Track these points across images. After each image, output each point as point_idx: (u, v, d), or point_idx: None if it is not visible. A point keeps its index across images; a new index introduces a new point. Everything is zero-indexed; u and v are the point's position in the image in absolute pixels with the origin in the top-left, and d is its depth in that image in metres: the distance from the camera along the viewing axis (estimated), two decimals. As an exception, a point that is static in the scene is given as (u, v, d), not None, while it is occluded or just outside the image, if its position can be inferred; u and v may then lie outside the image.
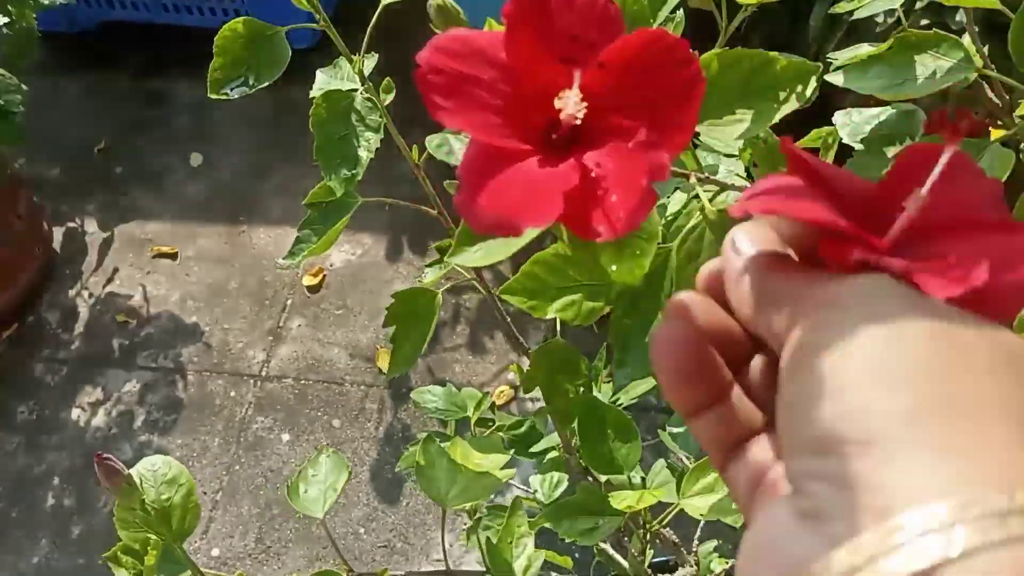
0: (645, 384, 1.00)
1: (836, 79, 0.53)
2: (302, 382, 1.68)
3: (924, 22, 1.39)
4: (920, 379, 0.23)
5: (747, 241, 0.30)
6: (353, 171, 0.62)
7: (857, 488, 0.22)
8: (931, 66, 0.49)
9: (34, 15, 1.64)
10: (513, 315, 1.72)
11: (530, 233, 0.47)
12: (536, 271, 0.57)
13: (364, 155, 0.62)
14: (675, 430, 0.93)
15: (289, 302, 1.79)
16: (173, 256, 1.88)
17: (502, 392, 1.62)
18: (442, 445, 0.76)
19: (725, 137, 0.49)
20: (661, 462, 0.80)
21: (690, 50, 0.34)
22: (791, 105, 0.50)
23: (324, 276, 1.82)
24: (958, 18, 1.40)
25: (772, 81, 0.49)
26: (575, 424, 0.70)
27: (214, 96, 0.62)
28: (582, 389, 0.69)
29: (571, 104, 0.33)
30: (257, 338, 1.75)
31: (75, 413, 1.68)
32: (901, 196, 0.28)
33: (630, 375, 0.50)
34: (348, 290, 1.80)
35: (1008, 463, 0.21)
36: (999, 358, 0.23)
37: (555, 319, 0.75)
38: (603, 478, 0.84)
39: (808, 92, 0.49)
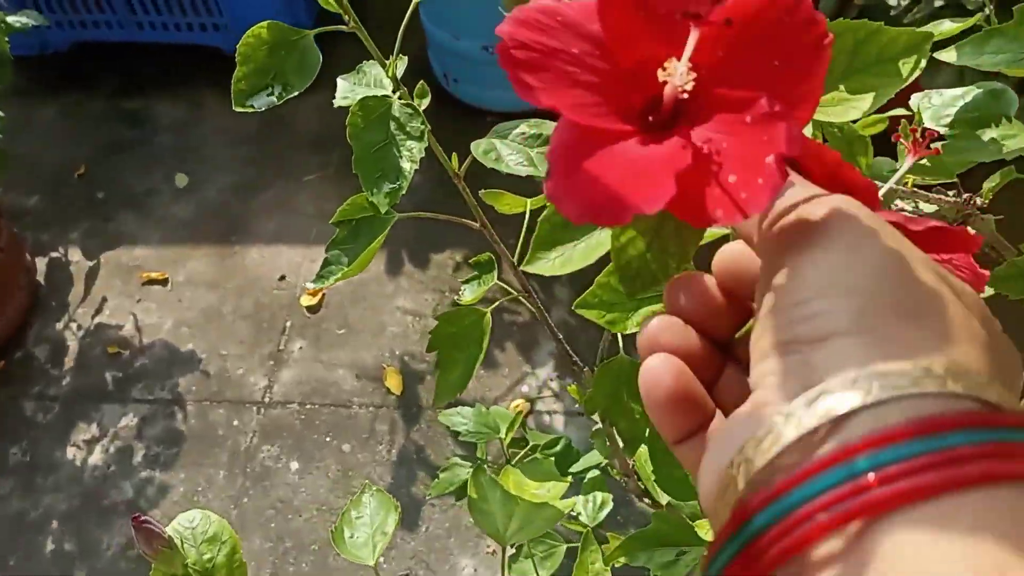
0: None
1: (948, 56, 0.47)
2: (308, 407, 1.61)
3: (938, 4, 1.35)
4: (872, 286, 0.25)
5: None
6: (396, 184, 0.57)
7: (798, 375, 0.25)
8: (1056, 37, 0.44)
9: (6, 39, 1.57)
10: (523, 328, 1.66)
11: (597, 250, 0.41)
12: (613, 282, 0.51)
13: (407, 166, 0.57)
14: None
15: (288, 324, 1.72)
16: (163, 282, 1.81)
17: (517, 406, 1.56)
18: (492, 477, 0.70)
19: (838, 118, 0.44)
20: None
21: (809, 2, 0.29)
22: (905, 79, 0.45)
23: (323, 295, 1.75)
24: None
25: (880, 54, 0.44)
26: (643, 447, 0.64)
27: (239, 109, 0.56)
28: (650, 409, 0.64)
29: (679, 75, 0.29)
30: (257, 363, 1.68)
31: (70, 452, 1.60)
32: None
33: None
34: (349, 308, 1.73)
35: (937, 352, 0.24)
36: (936, 275, 0.26)
37: (605, 332, 0.69)
38: (663, 500, 0.78)
39: (922, 64, 0.44)
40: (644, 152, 0.29)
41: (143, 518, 0.48)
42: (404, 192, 0.57)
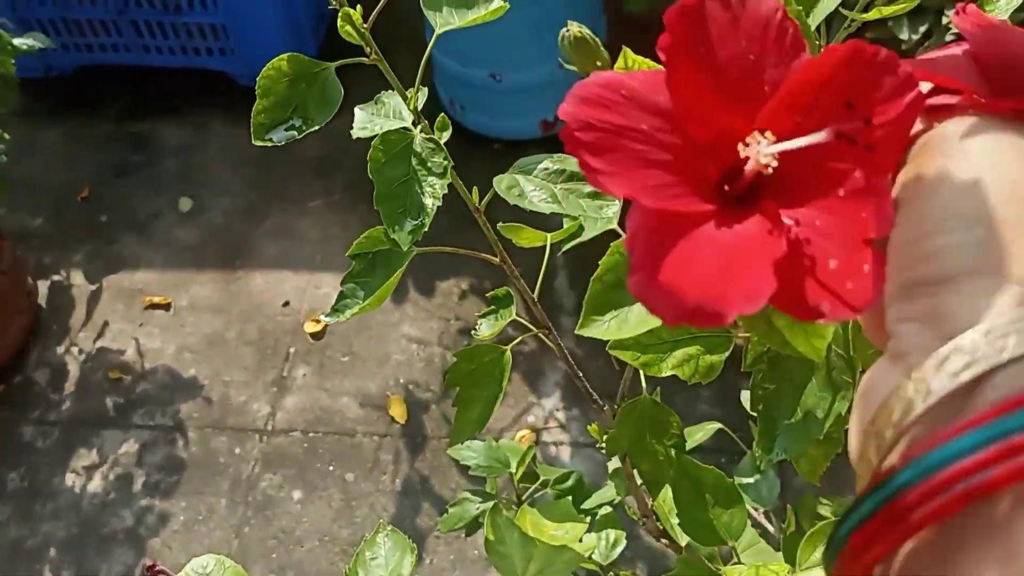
0: (703, 432, 0.93)
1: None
2: (311, 435, 1.59)
3: (950, 38, 1.35)
4: (996, 212, 0.23)
5: None
6: (419, 221, 0.55)
7: (931, 322, 0.23)
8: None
9: (12, 61, 1.56)
10: (529, 357, 1.64)
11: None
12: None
13: (430, 203, 0.55)
14: (746, 480, 0.85)
15: (292, 350, 1.71)
16: (166, 306, 1.79)
17: (523, 437, 1.54)
18: (509, 518, 0.68)
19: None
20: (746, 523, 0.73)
21: (896, 59, 0.27)
22: None
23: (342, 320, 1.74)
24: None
25: None
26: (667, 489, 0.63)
27: (259, 143, 0.55)
28: (673, 450, 0.62)
29: (763, 151, 0.27)
30: (260, 390, 1.66)
31: (69, 478, 1.58)
32: None
33: (779, 452, 0.43)
34: (353, 335, 1.72)
35: None
36: None
37: (627, 369, 0.68)
38: (682, 542, 0.77)
39: None
40: (732, 238, 0.27)
41: (158, 568, 0.47)
42: (426, 229, 0.56)
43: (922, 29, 1.31)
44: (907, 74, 0.26)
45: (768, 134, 0.27)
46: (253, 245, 1.87)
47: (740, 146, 0.27)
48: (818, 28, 0.55)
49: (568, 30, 0.38)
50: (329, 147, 1.97)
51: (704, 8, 0.28)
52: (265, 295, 1.79)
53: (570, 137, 0.27)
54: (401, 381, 1.65)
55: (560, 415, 1.58)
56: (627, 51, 0.37)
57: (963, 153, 0.25)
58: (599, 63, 0.38)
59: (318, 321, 1.74)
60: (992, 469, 0.20)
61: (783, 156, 0.27)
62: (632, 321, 0.38)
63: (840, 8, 0.49)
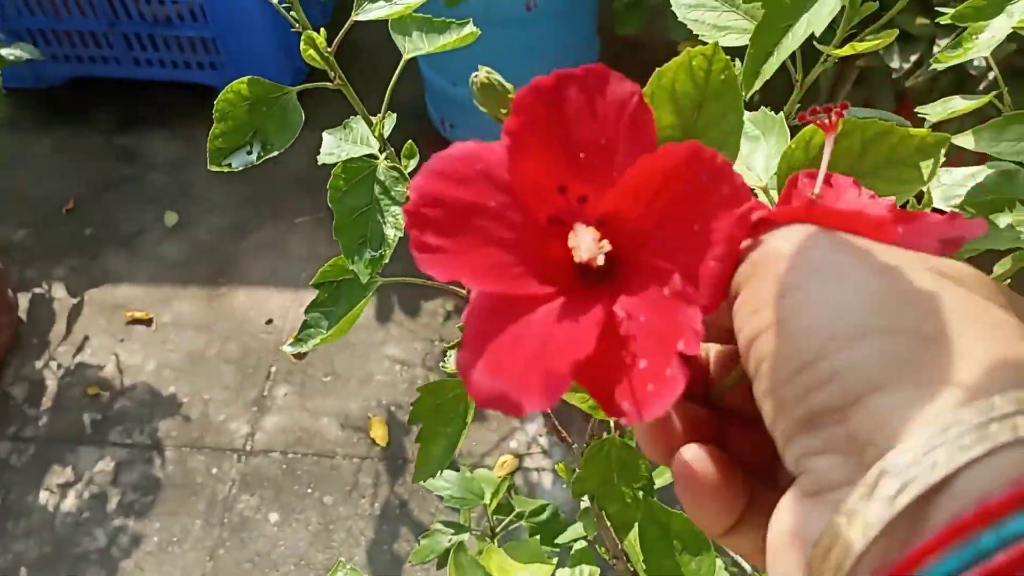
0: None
1: (965, 142, 0.45)
2: (290, 456, 1.57)
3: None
4: (881, 317, 0.22)
5: None
6: (379, 252, 0.54)
7: (850, 452, 0.21)
8: (1081, 123, 0.41)
9: (0, 71, 1.55)
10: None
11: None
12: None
13: (392, 233, 0.54)
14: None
15: (274, 369, 1.69)
16: (148, 322, 1.77)
17: (504, 463, 1.52)
18: (475, 558, 0.66)
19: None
20: (720, 563, 0.71)
21: (732, 169, 0.25)
22: (913, 188, 0.41)
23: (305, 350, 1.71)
24: (976, 63, 1.35)
25: (891, 156, 0.41)
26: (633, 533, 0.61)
27: (215, 168, 0.53)
28: (641, 493, 0.60)
29: (585, 244, 0.26)
30: (240, 409, 1.63)
31: (43, 496, 1.55)
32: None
33: None
34: (336, 355, 1.70)
35: (983, 374, 0.21)
36: (933, 275, 0.23)
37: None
38: (654, 584, 0.74)
39: (934, 170, 0.41)
40: (554, 327, 0.25)
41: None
42: (387, 260, 0.54)
43: (913, 58, 1.30)
44: (742, 184, 0.25)
45: (593, 230, 0.26)
46: (238, 261, 1.85)
47: (569, 237, 0.26)
48: (793, 62, 0.53)
49: (476, 75, 0.36)
50: (318, 164, 1.95)
51: (558, 89, 0.26)
52: (249, 312, 1.77)
53: (415, 215, 0.25)
54: (383, 402, 1.62)
55: (543, 441, 1.56)
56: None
57: (811, 266, 0.23)
58: (504, 110, 0.36)
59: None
60: None
61: (623, 241, 0.26)
62: None
63: (815, 43, 0.48)
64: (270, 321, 1.75)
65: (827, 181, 0.31)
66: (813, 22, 0.36)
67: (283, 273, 1.82)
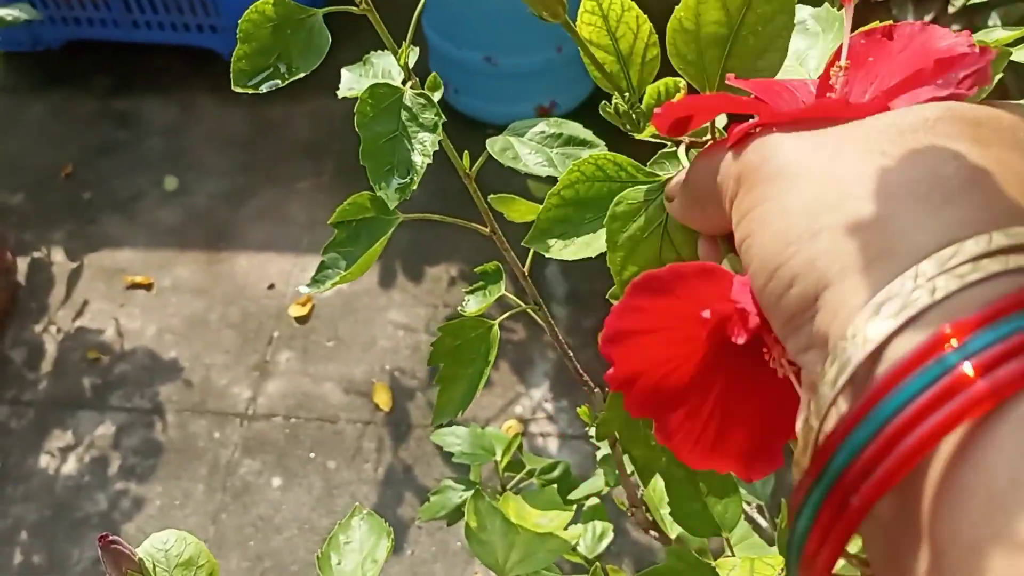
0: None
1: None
2: (292, 421, 1.56)
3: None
4: (827, 218, 0.22)
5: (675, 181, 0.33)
6: (407, 179, 0.52)
7: (822, 345, 0.22)
8: None
9: (-4, 30, 1.52)
10: (518, 346, 1.61)
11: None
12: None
13: (420, 160, 0.52)
14: (741, 473, 0.82)
15: (276, 334, 1.67)
16: (148, 287, 1.75)
17: (509, 427, 1.51)
18: (492, 503, 0.65)
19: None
20: (741, 515, 0.70)
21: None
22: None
23: (312, 306, 1.70)
24: (991, 23, 1.33)
25: None
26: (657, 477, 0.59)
27: (239, 89, 0.51)
28: (668, 435, 0.59)
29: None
30: (242, 374, 1.62)
31: (43, 460, 1.53)
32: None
33: None
34: (339, 320, 1.68)
35: (978, 222, 0.21)
36: (879, 155, 0.23)
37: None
38: (672, 535, 0.73)
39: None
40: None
41: (111, 538, 0.43)
42: (415, 188, 0.53)
43: (928, 17, 1.28)
44: None
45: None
46: (238, 227, 1.83)
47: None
48: None
49: None
50: (319, 129, 1.93)
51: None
52: (249, 277, 1.75)
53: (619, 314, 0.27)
54: (386, 368, 1.61)
55: (548, 406, 1.55)
56: None
57: (770, 176, 0.24)
58: (547, 12, 0.35)
59: (303, 304, 1.70)
60: (937, 413, 0.18)
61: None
62: (579, 243, 0.37)
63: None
64: (271, 286, 1.74)
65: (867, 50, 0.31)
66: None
67: (283, 238, 1.80)
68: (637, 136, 0.38)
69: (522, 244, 0.43)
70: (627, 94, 0.39)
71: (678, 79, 0.36)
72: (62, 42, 2.07)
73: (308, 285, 0.64)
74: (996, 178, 0.22)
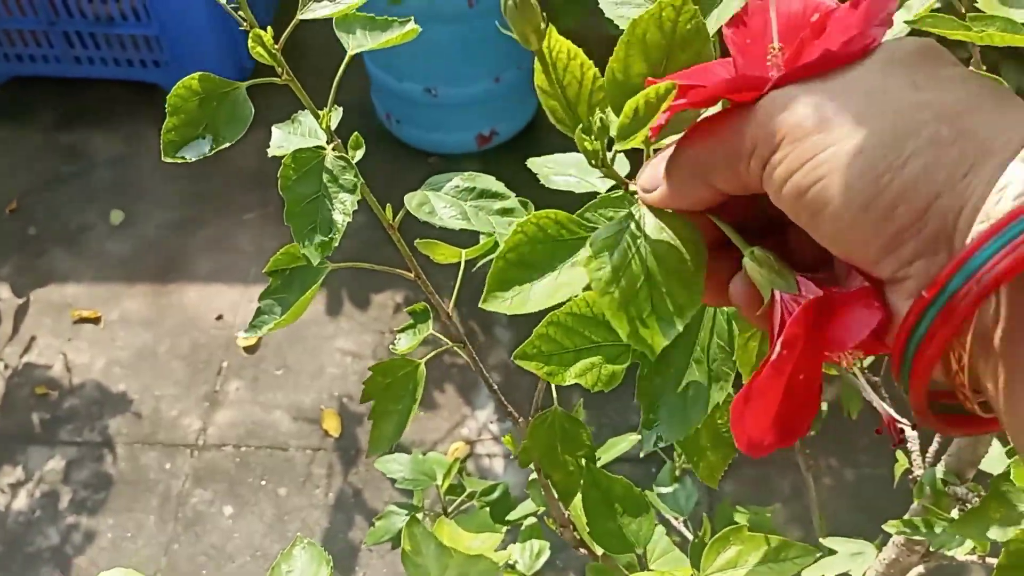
0: (626, 442, 0.95)
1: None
2: (243, 449, 1.58)
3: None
4: (911, 144, 0.26)
5: (650, 171, 0.36)
6: (329, 236, 0.56)
7: (935, 249, 0.26)
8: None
9: (-63, 70, 1.54)
10: (463, 369, 1.65)
11: (558, 292, 0.41)
12: (551, 333, 0.51)
13: (340, 218, 0.56)
14: (664, 490, 0.88)
15: (225, 364, 1.70)
16: (96, 320, 1.77)
17: (456, 449, 1.55)
18: (426, 529, 0.69)
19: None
20: (660, 530, 0.75)
21: None
22: None
23: (261, 336, 1.73)
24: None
25: None
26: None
27: (168, 159, 0.55)
28: (583, 460, 0.64)
29: None
30: (192, 404, 1.64)
31: (-7, 497, 1.54)
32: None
33: (662, 436, 0.45)
34: (287, 349, 1.71)
35: (1015, 139, 0.25)
36: (913, 87, 0.27)
37: (540, 382, 0.69)
38: (599, 551, 0.78)
39: None
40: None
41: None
42: (337, 244, 0.57)
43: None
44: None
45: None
46: (186, 258, 1.86)
47: None
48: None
49: None
50: (265, 159, 1.95)
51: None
52: (198, 309, 1.78)
53: None
54: (335, 394, 1.64)
55: (493, 427, 1.59)
56: (552, 30, 0.38)
57: (830, 124, 0.27)
58: (534, 28, 0.38)
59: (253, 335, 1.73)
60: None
61: None
62: (534, 298, 0.39)
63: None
64: (220, 317, 1.76)
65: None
66: (722, 16, 0.40)
67: (232, 269, 1.83)
68: (604, 175, 0.41)
69: (479, 307, 0.47)
70: (600, 131, 0.40)
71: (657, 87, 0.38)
72: (6, 78, 2.07)
73: (246, 331, 0.68)
74: (1003, 88, 0.27)
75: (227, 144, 0.56)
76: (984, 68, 0.57)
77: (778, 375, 0.30)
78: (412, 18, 0.65)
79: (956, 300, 0.24)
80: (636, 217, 0.37)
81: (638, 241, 0.37)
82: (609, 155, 0.39)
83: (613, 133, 0.37)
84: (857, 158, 0.26)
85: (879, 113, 0.27)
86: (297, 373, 1.68)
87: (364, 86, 1.95)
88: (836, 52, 0.30)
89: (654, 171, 0.35)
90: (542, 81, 0.38)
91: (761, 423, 0.31)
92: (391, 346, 0.72)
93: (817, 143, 0.27)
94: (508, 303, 0.39)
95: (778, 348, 0.29)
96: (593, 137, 0.37)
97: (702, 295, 0.37)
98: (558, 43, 0.38)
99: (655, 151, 0.40)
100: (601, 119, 0.37)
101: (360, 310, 1.75)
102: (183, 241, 1.88)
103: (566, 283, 0.39)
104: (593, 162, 0.37)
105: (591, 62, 0.38)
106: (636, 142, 0.38)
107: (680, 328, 0.35)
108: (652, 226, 0.37)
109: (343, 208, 0.57)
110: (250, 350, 1.71)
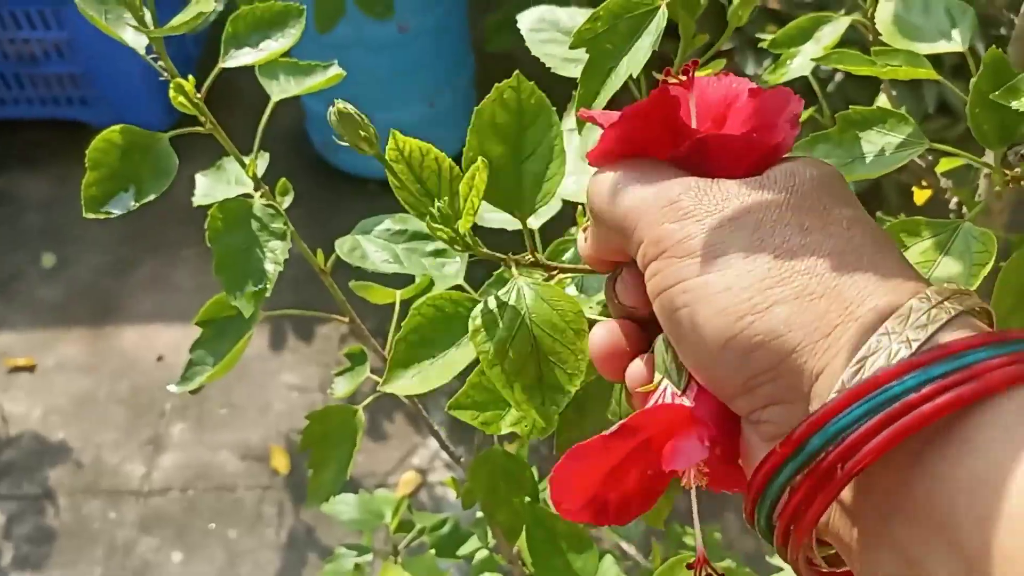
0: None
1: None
2: (190, 493, 1.55)
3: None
4: (776, 292, 0.26)
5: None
6: (260, 286, 0.55)
7: (791, 398, 0.26)
8: (879, 143, 0.47)
9: None
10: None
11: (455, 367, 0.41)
12: (484, 382, 0.51)
13: (271, 268, 0.56)
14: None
15: (168, 406, 1.66)
16: (31, 368, 1.72)
17: (408, 480, 1.54)
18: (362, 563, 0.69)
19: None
20: (609, 559, 0.75)
21: None
22: None
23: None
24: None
25: None
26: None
27: (91, 215, 0.54)
28: (527, 499, 0.64)
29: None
30: (135, 449, 1.60)
31: (-71, 558, 1.49)
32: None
33: None
34: (232, 386, 1.68)
35: (905, 284, 0.26)
36: (797, 224, 0.28)
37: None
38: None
39: None
40: None
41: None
42: (268, 294, 0.56)
43: (766, 63, 1.38)
44: None
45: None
46: (123, 299, 1.82)
47: None
48: (637, 85, 0.58)
49: (334, 106, 0.39)
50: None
51: None
52: (138, 350, 1.74)
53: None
54: (282, 430, 1.62)
55: (445, 455, 1.58)
56: (395, 133, 0.39)
57: (695, 247, 0.28)
58: (364, 134, 0.39)
59: (194, 374, 1.69)
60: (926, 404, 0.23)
61: None
62: (433, 375, 0.40)
63: (654, 74, 0.52)
64: (161, 358, 1.73)
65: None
66: (631, 65, 0.40)
67: (171, 307, 1.79)
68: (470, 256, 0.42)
69: (377, 389, 0.46)
70: (444, 219, 0.41)
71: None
72: (-75, 122, 2.02)
73: (178, 384, 0.67)
74: (884, 236, 0.28)
75: (152, 197, 0.55)
76: (894, 93, 0.59)
77: (605, 452, 0.30)
78: (336, 62, 0.65)
79: (820, 463, 0.24)
80: (518, 291, 0.37)
81: (522, 314, 0.37)
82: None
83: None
84: (724, 294, 0.27)
85: (759, 252, 0.27)
86: (243, 410, 1.65)
87: (299, 115, 1.93)
88: (745, 138, 0.30)
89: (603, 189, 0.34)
90: (393, 179, 0.39)
91: (578, 488, 0.30)
92: (329, 390, 0.71)
93: (692, 268, 0.27)
94: (409, 382, 0.40)
95: (615, 427, 0.29)
96: (442, 224, 0.38)
97: (586, 361, 0.37)
98: (407, 143, 0.39)
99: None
100: (439, 208, 0.37)
101: (304, 343, 1.73)
102: (119, 282, 1.84)
103: (463, 358, 0.40)
104: (455, 247, 0.38)
105: (444, 154, 0.39)
106: (470, 219, 0.38)
107: (569, 397, 0.36)
108: (532, 298, 0.37)
109: (274, 257, 0.56)
110: (193, 390, 1.67)
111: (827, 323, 0.25)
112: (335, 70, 0.62)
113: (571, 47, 0.45)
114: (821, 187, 0.29)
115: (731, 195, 0.29)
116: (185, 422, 1.64)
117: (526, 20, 0.61)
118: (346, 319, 0.66)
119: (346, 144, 0.42)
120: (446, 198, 0.40)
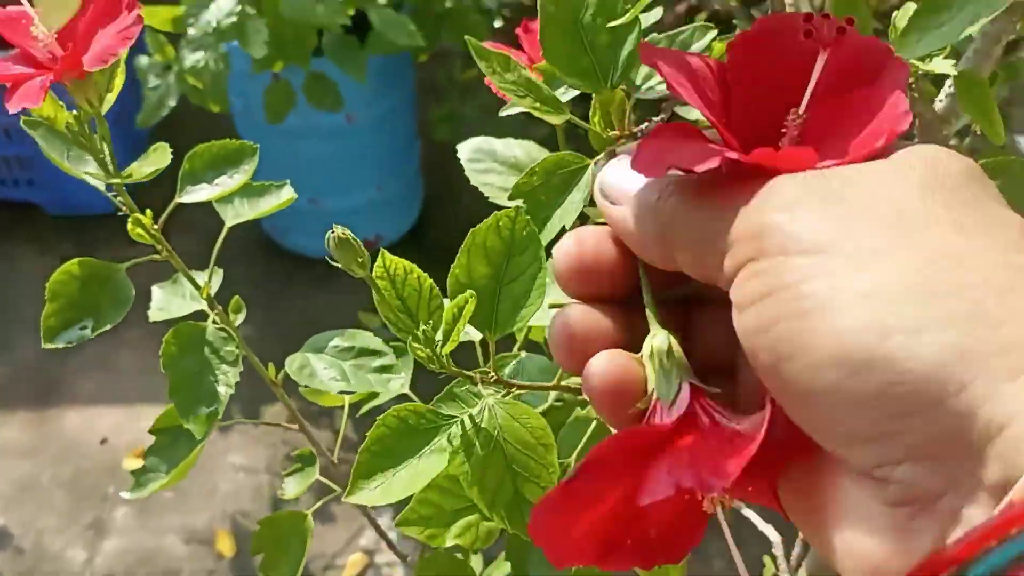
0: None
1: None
2: (133, 579, 1.54)
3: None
4: (930, 309, 0.19)
5: (623, 175, 0.28)
6: (212, 408, 0.59)
7: (938, 454, 0.19)
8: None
9: None
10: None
11: (419, 479, 0.44)
12: (429, 496, 0.55)
13: (223, 391, 0.59)
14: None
15: (111, 490, 1.65)
16: (-30, 452, 1.70)
17: (355, 561, 1.54)
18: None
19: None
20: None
21: None
22: None
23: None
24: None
25: None
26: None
27: (48, 346, 0.57)
28: (472, 600, 0.67)
29: None
30: (76, 535, 1.59)
31: None
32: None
33: None
34: (177, 469, 1.68)
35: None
36: (951, 225, 0.21)
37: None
38: None
39: None
40: None
41: None
42: (220, 416, 0.59)
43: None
44: None
45: None
46: (67, 381, 1.81)
47: None
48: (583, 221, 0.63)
49: (333, 232, 0.43)
50: (146, 278, 1.94)
51: None
52: (81, 433, 1.73)
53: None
54: (228, 512, 1.62)
55: (393, 534, 1.59)
56: (384, 253, 0.42)
57: (817, 243, 0.21)
58: (360, 259, 0.43)
59: (139, 456, 1.69)
60: None
61: None
62: (396, 487, 0.43)
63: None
64: (104, 440, 1.72)
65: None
66: (564, 217, 0.45)
67: (115, 389, 1.79)
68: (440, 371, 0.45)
69: (343, 500, 0.49)
70: (427, 341, 0.44)
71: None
72: None
73: (130, 491, 0.69)
74: None
75: (108, 326, 0.58)
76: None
77: (577, 497, 0.25)
78: (288, 182, 0.69)
79: None
80: (489, 411, 0.41)
81: (495, 435, 0.41)
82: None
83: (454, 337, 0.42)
84: (861, 304, 0.20)
85: (907, 251, 0.20)
86: (188, 493, 1.64)
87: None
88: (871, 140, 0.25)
89: (623, 184, 0.28)
90: (376, 295, 0.42)
91: (559, 540, 0.26)
92: (279, 491, 0.74)
93: (808, 269, 0.21)
94: (373, 493, 0.43)
95: (575, 469, 0.24)
96: (424, 344, 0.41)
97: (557, 474, 0.41)
98: (393, 262, 0.42)
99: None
100: (424, 331, 0.41)
101: (253, 424, 1.73)
102: (62, 364, 1.84)
103: (426, 470, 0.43)
104: (433, 366, 0.42)
105: (426, 275, 0.42)
106: (453, 344, 0.42)
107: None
108: (504, 418, 0.41)
109: (226, 380, 0.59)
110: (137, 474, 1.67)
111: (1015, 363, 0.18)
112: (288, 192, 0.66)
113: (509, 199, 0.49)
114: (972, 180, 0.22)
115: (851, 180, 0.22)
116: (129, 506, 1.63)
117: (465, 150, 0.65)
118: (295, 426, 0.69)
119: (309, 215, 0.45)
120: (431, 322, 0.42)
